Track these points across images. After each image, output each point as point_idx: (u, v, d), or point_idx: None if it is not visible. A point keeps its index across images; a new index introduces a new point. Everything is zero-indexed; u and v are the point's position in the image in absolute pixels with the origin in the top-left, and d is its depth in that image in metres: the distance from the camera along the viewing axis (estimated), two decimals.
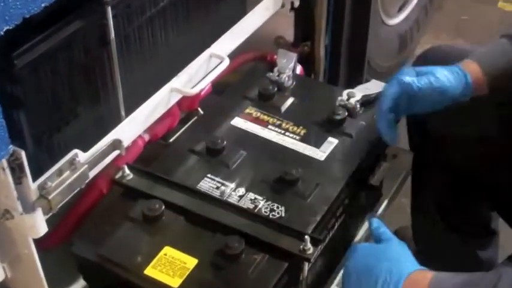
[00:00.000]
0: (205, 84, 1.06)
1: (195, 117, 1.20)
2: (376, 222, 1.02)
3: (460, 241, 1.38)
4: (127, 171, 1.03)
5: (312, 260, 0.93)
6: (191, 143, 1.11)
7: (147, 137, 1.10)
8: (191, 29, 1.07)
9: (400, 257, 0.92)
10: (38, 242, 1.06)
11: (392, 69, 2.04)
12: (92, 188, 1.04)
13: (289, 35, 1.39)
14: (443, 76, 1.06)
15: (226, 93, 1.24)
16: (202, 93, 1.19)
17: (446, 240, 1.40)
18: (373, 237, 1.01)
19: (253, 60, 1.33)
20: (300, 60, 1.38)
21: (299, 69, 1.33)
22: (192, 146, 1.10)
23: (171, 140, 1.17)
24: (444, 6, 2.46)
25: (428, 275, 0.88)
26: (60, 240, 1.04)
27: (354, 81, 1.47)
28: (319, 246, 0.94)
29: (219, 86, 1.30)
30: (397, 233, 1.65)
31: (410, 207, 1.51)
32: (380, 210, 1.26)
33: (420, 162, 1.32)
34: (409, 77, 1.07)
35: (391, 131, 1.09)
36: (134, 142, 1.08)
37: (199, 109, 1.21)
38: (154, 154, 1.14)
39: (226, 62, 1.10)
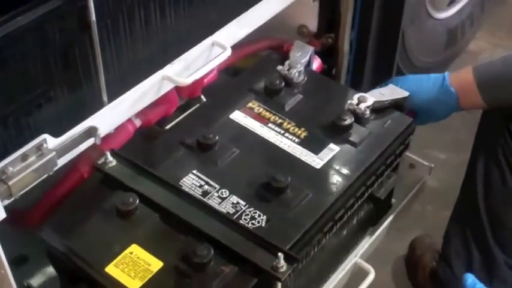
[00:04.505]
0: (200, 75, 1.00)
1: (196, 106, 1.14)
2: (470, 277, 1.01)
3: None
4: (110, 157, 0.98)
5: (283, 279, 0.86)
6: (184, 134, 1.05)
7: (138, 123, 1.05)
8: (194, 13, 1.00)
9: None
10: (17, 221, 1.04)
11: (436, 65, 1.92)
12: (72, 170, 1.00)
13: (313, 24, 1.31)
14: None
15: (232, 82, 1.17)
16: (206, 80, 1.13)
17: None
18: None
19: (268, 48, 1.26)
20: (322, 53, 1.30)
21: (317, 64, 1.25)
22: (184, 138, 1.04)
23: (167, 127, 1.11)
24: (507, 1, 2.30)
25: None
26: (38, 220, 1.02)
27: (381, 80, 1.38)
28: (294, 265, 0.87)
29: (235, 70, 1.25)
30: (414, 242, 1.57)
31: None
32: (386, 223, 1.18)
33: None
34: None
35: None
36: (123, 127, 1.03)
37: (202, 97, 1.15)
38: (148, 140, 1.09)
39: (228, 53, 1.02)
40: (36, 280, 1.08)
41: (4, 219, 1.05)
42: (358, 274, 1.13)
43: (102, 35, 0.87)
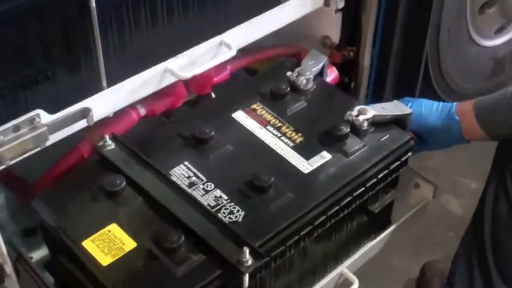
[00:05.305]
0: (199, 71, 1.03)
1: (204, 101, 1.18)
2: None
3: None
4: (108, 141, 1.03)
5: (246, 273, 0.88)
6: (184, 127, 1.09)
7: (143, 112, 1.10)
8: (202, 10, 1.04)
9: None
10: (19, 193, 1.10)
11: (479, 93, 1.87)
12: (74, 149, 1.06)
13: (336, 36, 1.32)
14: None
15: (242, 83, 1.20)
16: (216, 79, 1.16)
17: None
18: None
19: (287, 55, 1.28)
20: (343, 66, 1.31)
21: (333, 76, 1.26)
22: (183, 130, 1.08)
23: (172, 120, 1.16)
24: None
25: None
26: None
27: (403, 98, 1.38)
28: (260, 262, 0.89)
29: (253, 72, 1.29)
30: (426, 265, 1.56)
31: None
32: (379, 238, 1.18)
33: None
34: None
35: None
36: (127, 114, 1.08)
37: (212, 94, 1.18)
38: (150, 129, 1.14)
39: (233, 53, 1.06)
40: (40, 252, 1.14)
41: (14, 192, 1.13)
42: (343, 285, 1.13)
43: (104, 22, 0.92)
